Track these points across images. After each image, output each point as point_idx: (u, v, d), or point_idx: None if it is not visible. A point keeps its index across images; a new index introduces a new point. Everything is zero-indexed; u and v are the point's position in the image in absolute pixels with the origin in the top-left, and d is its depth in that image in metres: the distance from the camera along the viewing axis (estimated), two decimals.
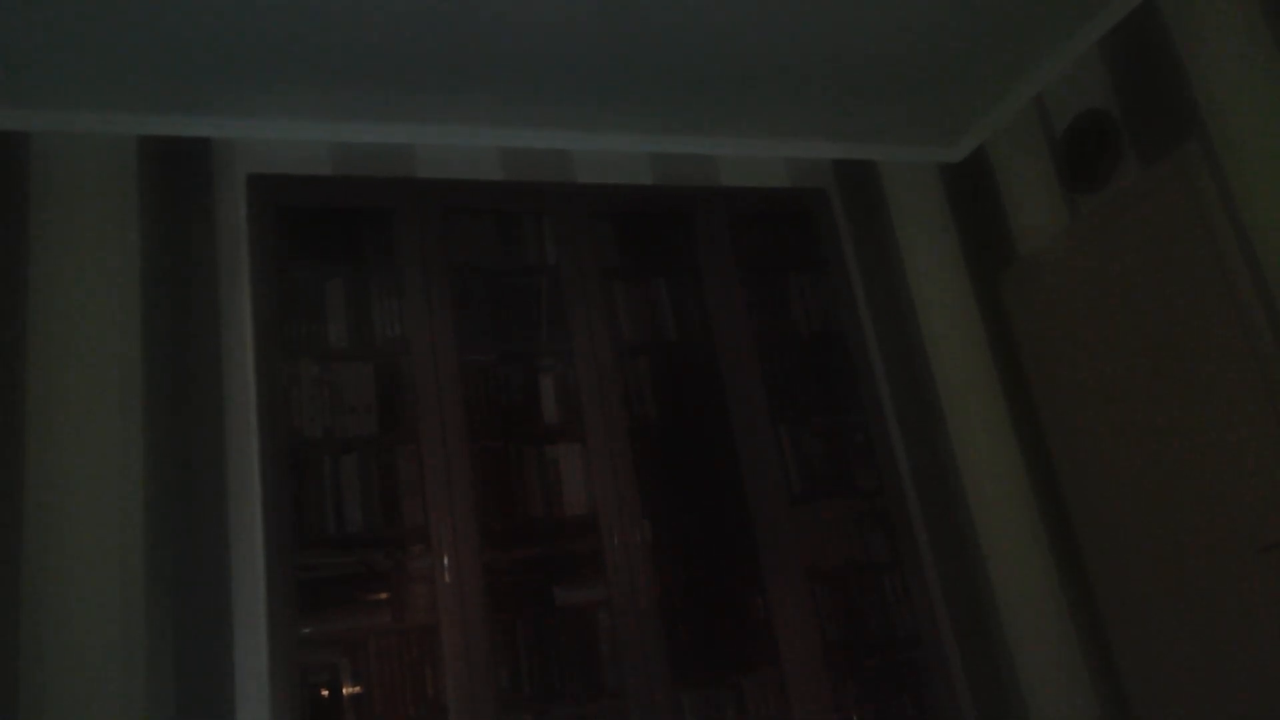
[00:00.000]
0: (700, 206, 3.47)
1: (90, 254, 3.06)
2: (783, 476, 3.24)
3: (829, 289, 3.61)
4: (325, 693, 2.69)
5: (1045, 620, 3.84)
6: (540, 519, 3.00)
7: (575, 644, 2.93)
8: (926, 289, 4.16)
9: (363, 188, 3.08)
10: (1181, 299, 3.38)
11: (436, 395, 2.92)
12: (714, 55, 3.43)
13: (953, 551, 3.79)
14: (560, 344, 3.19)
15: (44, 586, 2.74)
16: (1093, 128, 3.67)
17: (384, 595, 2.82)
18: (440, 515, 2.81)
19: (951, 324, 4.15)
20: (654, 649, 2.90)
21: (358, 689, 2.70)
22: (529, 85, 3.42)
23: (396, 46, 3.10)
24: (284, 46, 3.02)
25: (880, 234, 4.17)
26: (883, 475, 3.38)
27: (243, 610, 2.90)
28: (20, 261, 2.99)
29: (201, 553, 2.90)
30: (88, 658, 2.72)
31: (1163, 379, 3.47)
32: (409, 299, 3.00)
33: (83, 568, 2.78)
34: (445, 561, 2.78)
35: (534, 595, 2.97)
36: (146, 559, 2.84)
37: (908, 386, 3.97)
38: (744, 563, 3.17)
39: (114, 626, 2.76)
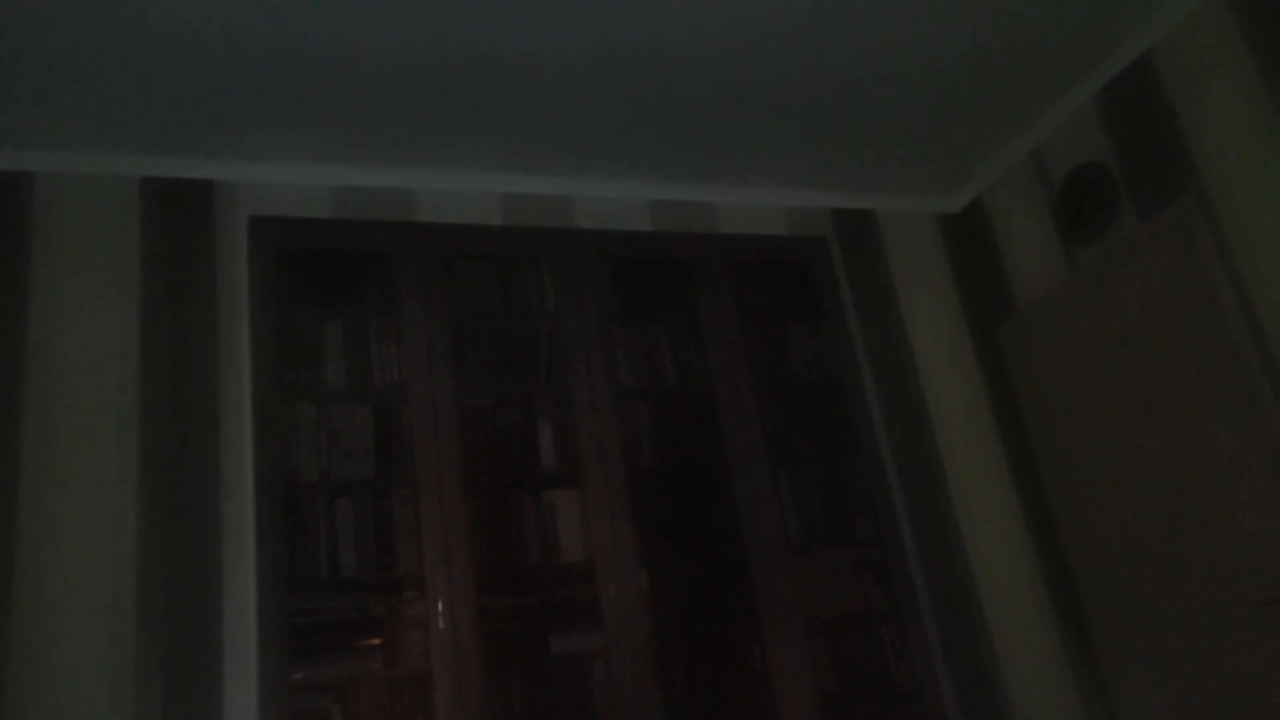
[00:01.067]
0: (700, 253, 3.48)
1: (90, 294, 3.06)
2: (781, 525, 3.21)
3: (828, 337, 3.61)
4: None
5: (1046, 673, 3.79)
6: (536, 566, 2.97)
7: (571, 693, 2.89)
8: (925, 338, 4.17)
9: (363, 231, 3.09)
10: (1180, 351, 3.39)
11: (434, 440, 2.91)
12: (714, 103, 3.47)
13: (952, 603, 3.76)
14: (559, 390, 3.18)
15: (35, 627, 2.70)
16: (1090, 181, 3.70)
17: (377, 641, 2.78)
18: (435, 561, 2.79)
19: (950, 373, 4.15)
20: (650, 699, 2.86)
21: None
22: (530, 131, 3.45)
23: (398, 91, 3.13)
24: (287, 90, 3.05)
25: (879, 283, 4.19)
26: (881, 525, 3.36)
27: (234, 654, 2.86)
28: (20, 301, 2.98)
29: (193, 596, 2.87)
30: (77, 699, 2.67)
31: (1161, 431, 3.46)
32: (408, 343, 3.00)
33: (74, 608, 2.74)
34: (440, 607, 2.74)
35: (529, 643, 2.94)
36: (138, 600, 2.81)
37: (906, 436, 3.96)
38: (742, 612, 3.14)
39: (104, 668, 2.72)
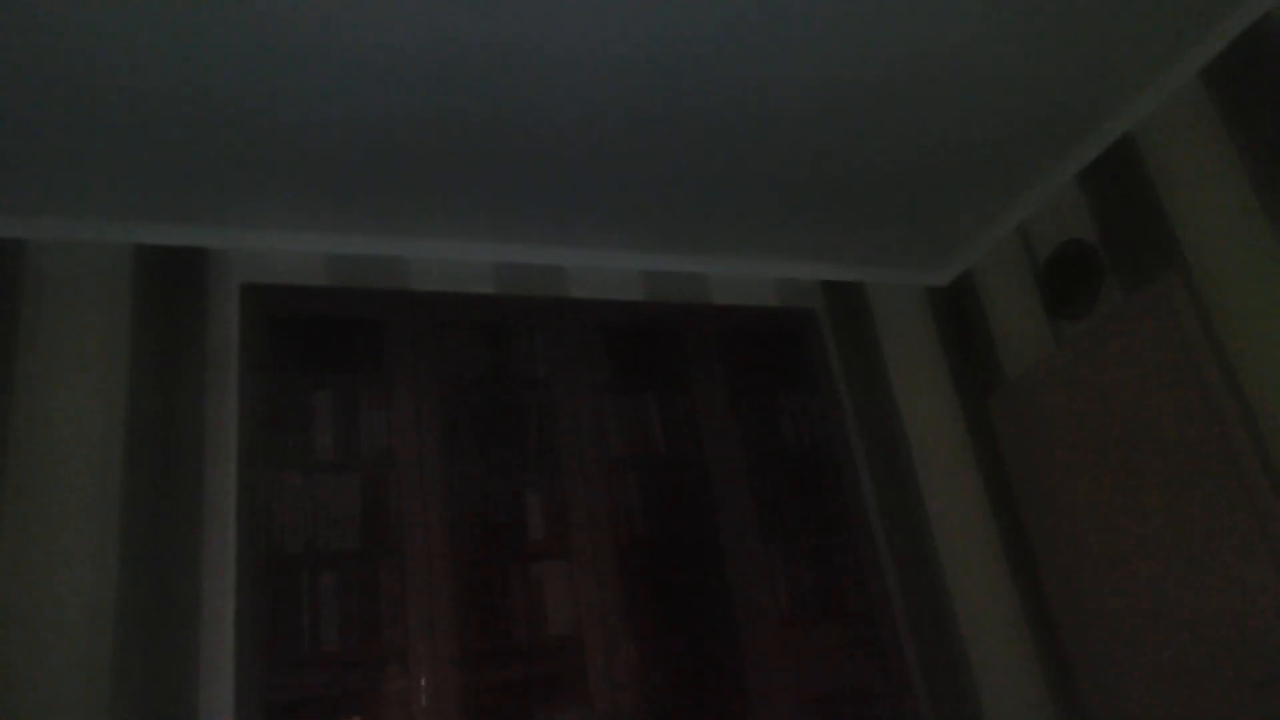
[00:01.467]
0: (691, 323, 3.50)
1: (79, 360, 3.05)
2: (772, 598, 3.18)
3: (818, 408, 3.61)
4: None
5: None
6: (523, 639, 2.92)
7: None
8: (915, 410, 4.18)
9: (355, 299, 3.10)
10: (1167, 425, 3.40)
11: (421, 509, 2.88)
12: (706, 177, 3.52)
13: (945, 680, 3.70)
14: (548, 459, 3.16)
15: (6, 696, 2.63)
16: (1075, 256, 3.75)
17: (357, 719, 2.72)
18: (420, 634, 2.74)
19: (940, 445, 4.15)
20: None
21: None
22: (523, 201, 3.48)
23: (393, 160, 3.17)
24: (281, 159, 3.08)
25: (869, 354, 4.21)
26: (872, 599, 3.33)
27: None
28: (7, 366, 2.97)
29: (170, 668, 2.80)
30: None
31: (1150, 505, 3.45)
32: (397, 411, 2.99)
33: (48, 680, 2.68)
34: (422, 683, 2.69)
35: (515, 718, 2.87)
36: (113, 672, 2.74)
37: (897, 507, 3.95)
38: (732, 687, 3.08)
39: None
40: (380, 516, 2.93)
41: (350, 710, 2.72)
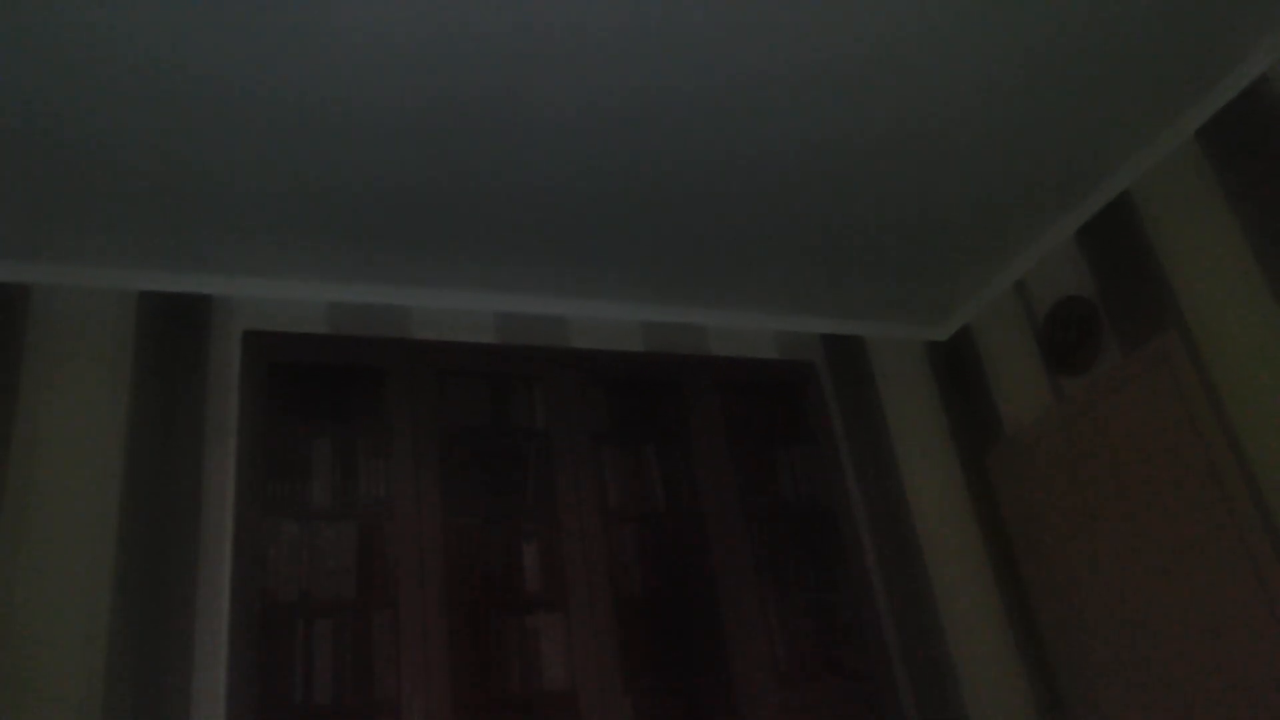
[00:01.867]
0: (690, 375, 3.50)
1: (79, 406, 3.06)
2: (770, 654, 3.14)
3: (817, 462, 3.60)
4: None
5: None
6: (517, 692, 2.89)
7: None
8: (914, 464, 4.16)
9: (356, 347, 3.11)
10: (1166, 482, 3.39)
11: (418, 560, 2.87)
12: (707, 229, 3.55)
13: None
14: (546, 510, 3.15)
15: None
16: (1074, 314, 3.76)
17: None
18: (414, 685, 2.71)
19: (939, 500, 4.13)
20: None
21: None
22: (524, 252, 3.51)
23: (396, 212, 3.20)
24: (286, 209, 3.11)
25: (868, 408, 4.21)
26: (871, 656, 3.29)
27: None
28: (8, 412, 2.97)
29: (162, 715, 2.77)
30: None
31: (1151, 564, 3.43)
32: (396, 460, 2.98)
33: None
34: None
35: None
36: (104, 716, 2.71)
37: (896, 564, 3.92)
38: None
39: None
40: (376, 566, 2.92)
41: None
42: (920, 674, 3.73)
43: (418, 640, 2.76)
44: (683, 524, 3.33)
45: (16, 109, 2.58)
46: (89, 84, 2.54)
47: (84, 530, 2.91)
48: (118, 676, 2.77)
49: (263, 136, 2.80)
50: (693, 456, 3.38)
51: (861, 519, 3.95)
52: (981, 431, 4.25)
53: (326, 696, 2.70)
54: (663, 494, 3.37)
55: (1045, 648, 3.86)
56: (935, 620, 3.86)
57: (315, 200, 3.09)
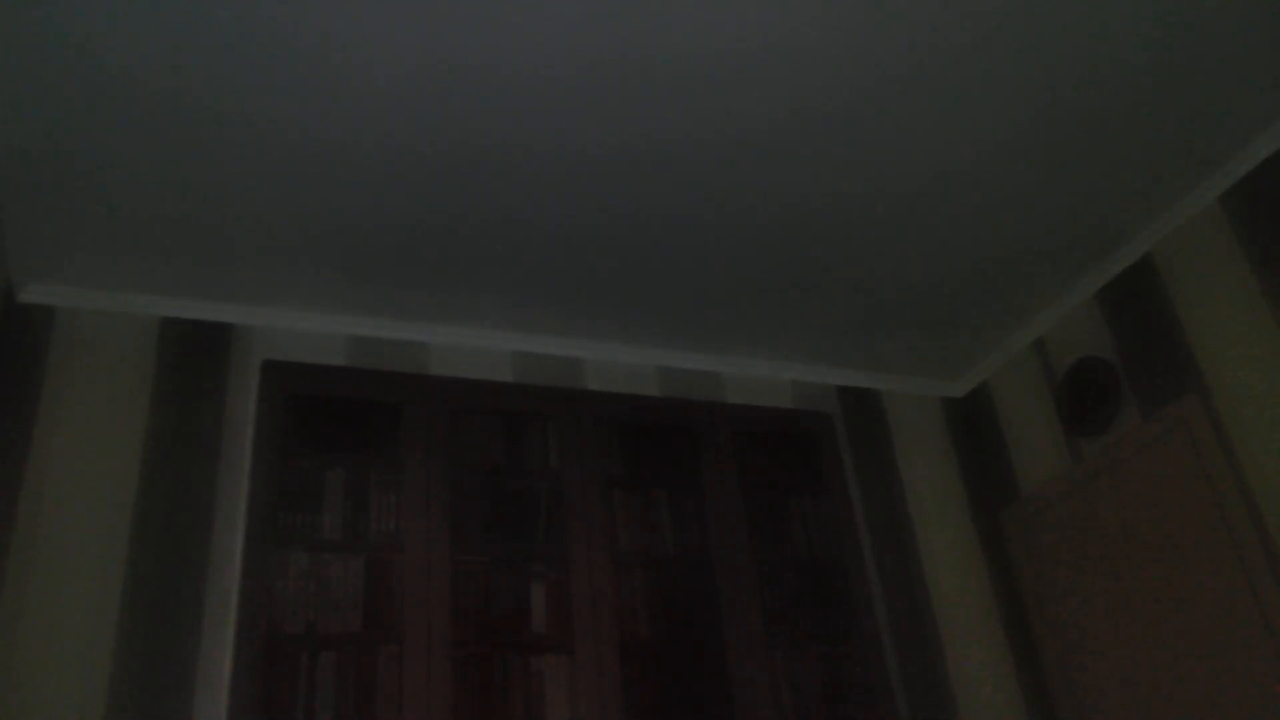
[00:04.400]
0: (704, 421, 3.50)
1: (96, 428, 3.07)
2: (775, 706, 3.10)
3: (830, 514, 3.58)
4: None
5: None
6: None
7: None
8: (928, 520, 4.13)
9: (373, 381, 3.12)
10: (1185, 548, 3.34)
11: (425, 595, 2.85)
12: (725, 276, 3.56)
13: None
14: (555, 551, 3.13)
15: None
16: (1092, 375, 3.75)
17: None
18: None
19: (953, 557, 4.09)
20: None
21: None
22: (543, 293, 3.53)
23: (417, 249, 3.23)
24: (309, 242, 3.15)
25: (883, 462, 4.18)
26: (879, 713, 3.23)
27: None
28: (25, 432, 2.99)
29: None
30: None
31: (1167, 628, 3.37)
32: (408, 494, 2.98)
33: None
34: None
35: None
36: None
37: (907, 619, 3.87)
38: None
39: None
40: (383, 600, 2.90)
41: None
42: None
43: (421, 677, 2.74)
44: (692, 570, 3.30)
45: (45, 137, 2.63)
46: (117, 116, 2.59)
47: (93, 553, 2.91)
48: (120, 703, 2.75)
49: (289, 171, 2.84)
50: (704, 503, 3.36)
51: (873, 573, 3.90)
52: (996, 489, 4.21)
53: None
54: (673, 539, 3.34)
55: (1056, 709, 3.78)
56: (944, 677, 3.80)
57: (338, 234, 3.13)
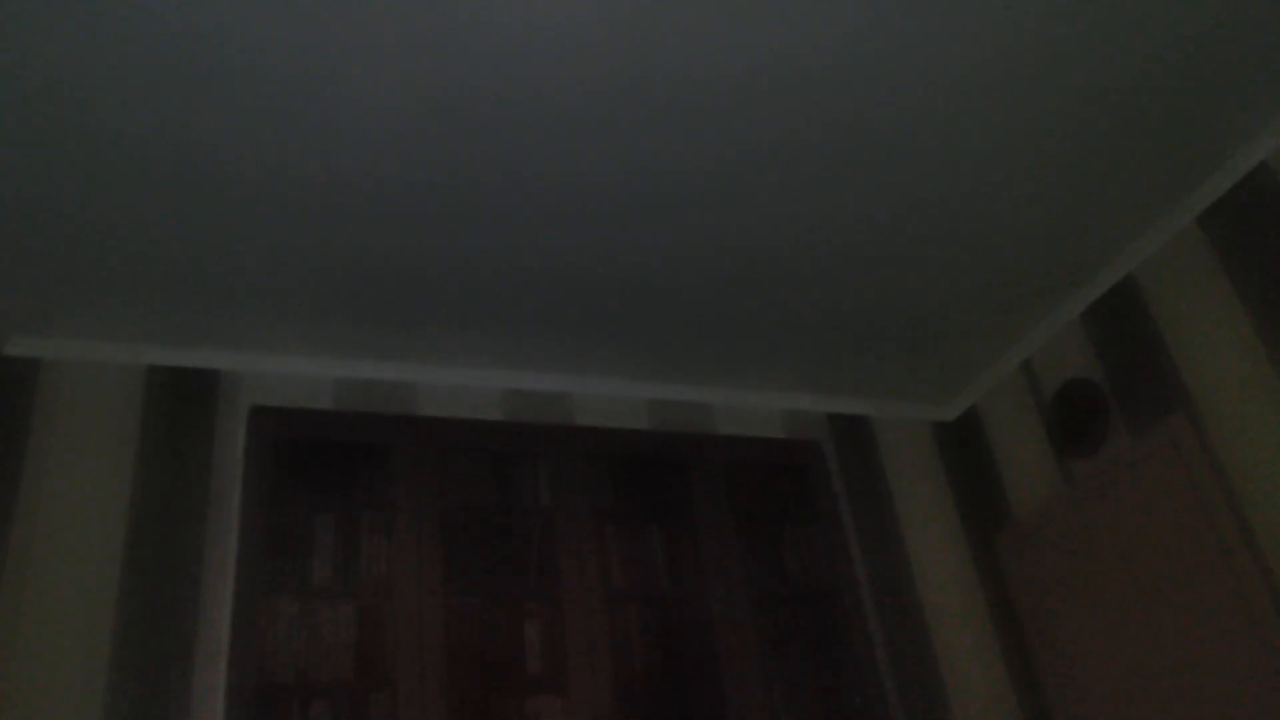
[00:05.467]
0: (695, 453, 3.49)
1: (84, 480, 3.05)
2: None
3: (824, 542, 3.57)
4: None
5: None
6: None
7: None
8: (922, 545, 4.11)
9: (361, 423, 3.11)
10: (1178, 566, 3.34)
11: (418, 639, 2.83)
12: (713, 308, 3.57)
13: None
14: (548, 589, 3.11)
15: None
16: (1080, 395, 3.75)
17: None
18: None
19: (948, 582, 4.07)
20: None
21: None
22: (531, 329, 3.53)
23: (403, 288, 3.23)
24: (294, 285, 3.14)
25: (875, 489, 4.18)
26: None
27: None
28: (12, 486, 2.97)
29: None
30: None
31: (1162, 647, 3.36)
32: (398, 537, 2.96)
33: None
34: None
35: None
36: None
37: (905, 647, 3.84)
38: None
39: None
40: (375, 645, 2.88)
41: None
42: None
43: None
44: (687, 604, 3.29)
45: (26, 187, 2.63)
46: (97, 163, 2.59)
47: (83, 605, 2.88)
48: None
49: (270, 214, 2.85)
50: (697, 535, 3.35)
51: (868, 600, 3.89)
52: (990, 513, 4.21)
53: None
54: (667, 573, 3.33)
55: None
56: (945, 705, 3.77)
57: (323, 277, 3.13)
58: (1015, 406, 4.11)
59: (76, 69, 2.31)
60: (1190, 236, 3.40)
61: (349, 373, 3.54)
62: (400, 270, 3.14)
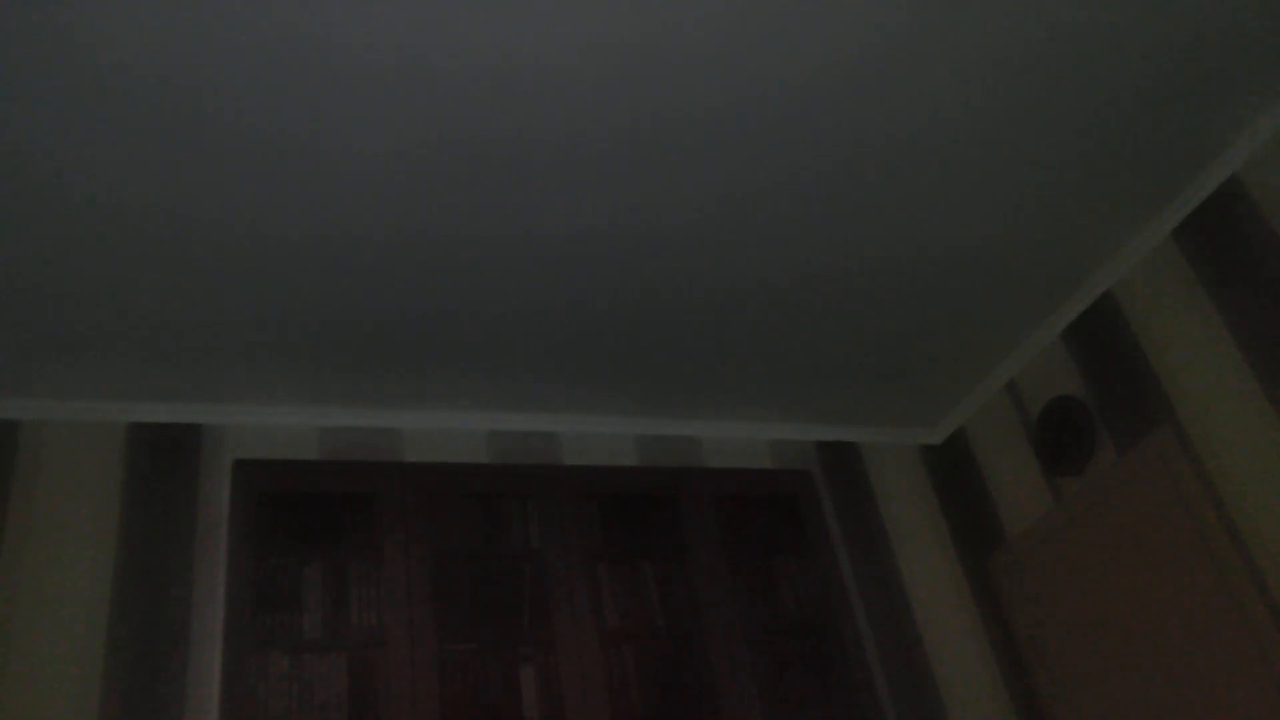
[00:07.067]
0: (685, 487, 3.47)
1: (66, 542, 3.01)
2: None
3: (817, 572, 3.54)
4: None
5: None
6: None
7: None
8: (916, 571, 4.10)
9: (347, 472, 3.08)
10: (1171, 578, 3.33)
11: (411, 689, 2.78)
12: (697, 342, 3.57)
13: None
14: (542, 632, 3.08)
15: None
16: (1066, 414, 3.76)
17: None
18: None
19: (942, 605, 4.05)
20: None
21: None
22: (516, 371, 3.52)
23: (384, 335, 3.21)
24: (274, 337, 3.13)
25: (866, 515, 4.16)
26: None
27: None
28: None
29: None
30: None
31: (1158, 659, 3.35)
32: (388, 586, 2.93)
33: None
34: None
35: None
36: None
37: (901, 672, 3.81)
38: None
39: None
40: (368, 697, 2.83)
41: None
42: None
43: None
44: (682, 640, 3.25)
45: (1, 249, 2.62)
46: (72, 224, 2.58)
47: (68, 667, 2.83)
48: None
49: (249, 270, 2.84)
50: (691, 571, 3.33)
51: (864, 628, 3.86)
52: (982, 534, 4.20)
53: None
54: (661, 610, 3.30)
55: None
56: None
57: (303, 327, 3.11)
58: (1002, 427, 4.12)
59: (52, 132, 2.31)
60: (1166, 250, 3.43)
61: (333, 421, 3.51)
62: (381, 317, 3.13)
